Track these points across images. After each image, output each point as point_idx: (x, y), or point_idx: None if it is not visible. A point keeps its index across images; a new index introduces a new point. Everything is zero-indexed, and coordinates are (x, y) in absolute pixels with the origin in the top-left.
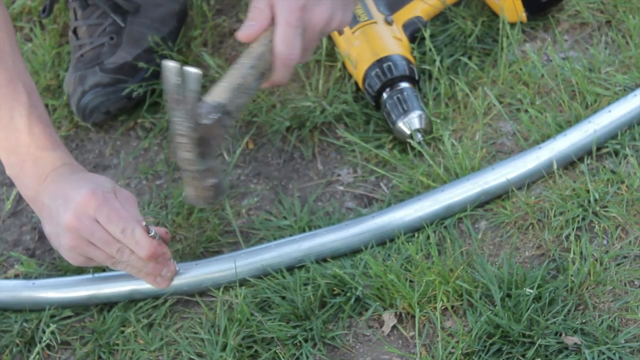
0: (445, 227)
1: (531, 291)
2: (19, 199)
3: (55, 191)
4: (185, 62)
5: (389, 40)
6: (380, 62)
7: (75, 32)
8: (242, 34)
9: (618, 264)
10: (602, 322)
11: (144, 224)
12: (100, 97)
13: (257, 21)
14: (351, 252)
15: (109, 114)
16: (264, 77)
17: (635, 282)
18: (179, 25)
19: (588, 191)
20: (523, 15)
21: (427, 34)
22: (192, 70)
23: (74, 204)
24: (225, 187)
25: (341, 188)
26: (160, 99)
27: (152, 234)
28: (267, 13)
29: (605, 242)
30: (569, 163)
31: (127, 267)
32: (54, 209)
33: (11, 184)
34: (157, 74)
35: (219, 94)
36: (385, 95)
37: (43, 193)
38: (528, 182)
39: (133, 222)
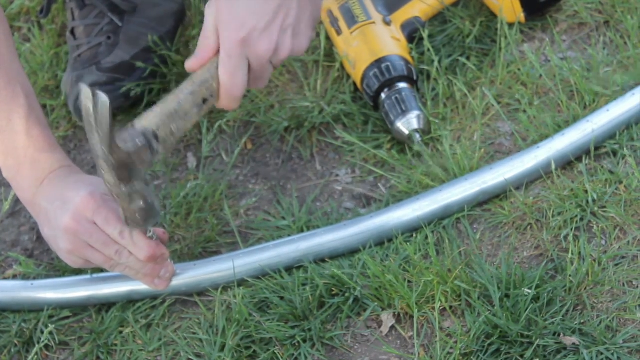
0: (443, 227)
1: (529, 291)
2: (17, 199)
3: (53, 194)
4: (183, 63)
5: (387, 41)
6: (378, 62)
7: (72, 32)
8: (188, 64)
9: (616, 264)
10: (600, 323)
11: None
12: None
13: (203, 51)
14: (349, 252)
15: None
16: (206, 104)
17: (634, 283)
18: (177, 25)
19: (586, 191)
20: (521, 16)
21: (425, 35)
22: (102, 96)
23: (72, 206)
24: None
25: (339, 188)
26: (158, 99)
27: (150, 234)
28: (213, 43)
29: (603, 242)
30: (567, 163)
31: (126, 269)
32: (52, 212)
33: (9, 185)
34: (155, 74)
35: (148, 119)
36: (383, 95)
37: (40, 196)
38: (526, 182)
39: None
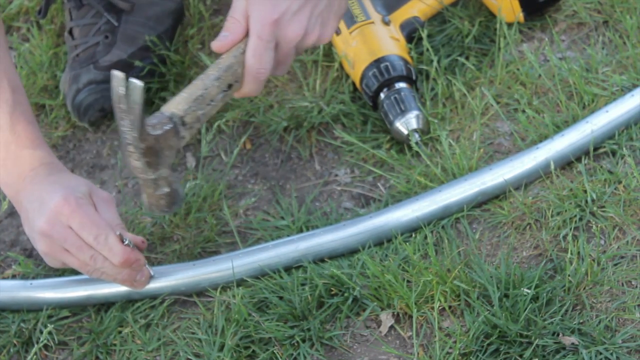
0: (442, 227)
1: (529, 291)
2: None
3: (32, 194)
4: (182, 62)
5: (386, 41)
6: (377, 62)
7: (70, 32)
8: (216, 45)
9: (615, 264)
10: (599, 322)
11: (117, 232)
12: (94, 94)
13: (231, 32)
14: (349, 252)
15: (104, 112)
16: (231, 89)
17: (633, 282)
18: (175, 24)
19: (585, 191)
20: (520, 16)
21: (424, 34)
22: (136, 82)
23: (47, 210)
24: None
25: (339, 188)
26: (157, 98)
27: (127, 242)
28: (242, 24)
29: (602, 242)
30: (567, 163)
31: (102, 275)
32: (30, 213)
33: None
34: (152, 72)
35: (175, 104)
36: (382, 95)
37: (22, 193)
38: (525, 182)
39: (106, 229)
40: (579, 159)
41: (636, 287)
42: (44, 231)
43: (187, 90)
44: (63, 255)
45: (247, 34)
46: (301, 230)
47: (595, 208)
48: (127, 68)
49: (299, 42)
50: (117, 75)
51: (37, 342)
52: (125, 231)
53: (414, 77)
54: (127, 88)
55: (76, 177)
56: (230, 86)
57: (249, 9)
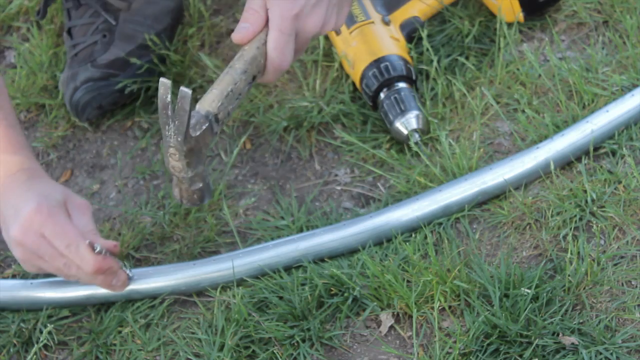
0: (442, 227)
1: (529, 291)
2: None
3: (8, 200)
4: (182, 62)
5: (386, 41)
6: (377, 62)
7: (69, 32)
8: (237, 37)
9: (615, 264)
10: (599, 322)
11: (87, 241)
12: (91, 91)
13: (251, 23)
14: (349, 252)
15: (102, 109)
16: (255, 80)
17: (633, 282)
18: (174, 23)
19: (585, 191)
20: (520, 16)
21: (424, 34)
22: (186, 90)
23: (21, 218)
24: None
25: (339, 188)
26: (156, 98)
27: (98, 249)
28: (261, 15)
29: (602, 242)
30: (567, 163)
31: (79, 280)
32: (6, 219)
33: None
34: (151, 71)
35: (209, 102)
36: (382, 95)
37: (0, 199)
38: (525, 182)
39: (78, 238)
40: (579, 159)
41: (636, 287)
42: (18, 239)
43: (218, 87)
44: (38, 262)
45: (266, 25)
46: (301, 230)
47: (595, 208)
48: (125, 66)
49: (316, 33)
50: (164, 82)
51: (37, 342)
52: (98, 237)
53: (413, 77)
54: (174, 95)
55: (53, 184)
56: (254, 77)
57: (268, 2)
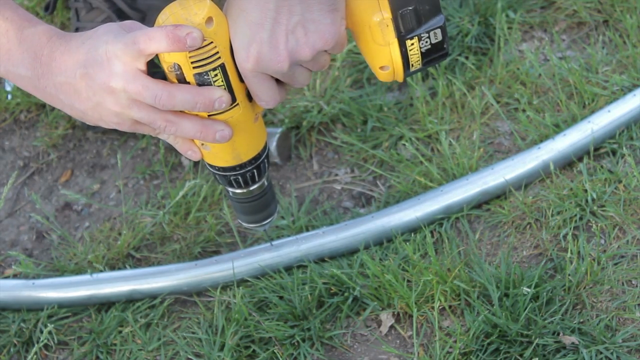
0: (442, 226)
1: (529, 290)
2: (16, 198)
3: (65, 65)
4: None
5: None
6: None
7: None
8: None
9: (615, 264)
10: (599, 322)
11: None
12: None
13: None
14: (349, 252)
15: None
16: None
17: (633, 282)
18: None
19: (585, 191)
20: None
21: None
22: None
23: (117, 63)
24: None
25: (339, 188)
26: None
27: None
28: None
29: (602, 241)
30: (568, 163)
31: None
32: (87, 77)
33: (2, 184)
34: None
35: None
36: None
37: (49, 76)
38: (526, 182)
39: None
40: (579, 159)
41: (636, 286)
42: (120, 86)
43: None
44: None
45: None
46: (301, 230)
47: (595, 207)
48: None
49: (294, 63)
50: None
51: (38, 342)
52: None
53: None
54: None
55: (96, 28)
56: None
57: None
